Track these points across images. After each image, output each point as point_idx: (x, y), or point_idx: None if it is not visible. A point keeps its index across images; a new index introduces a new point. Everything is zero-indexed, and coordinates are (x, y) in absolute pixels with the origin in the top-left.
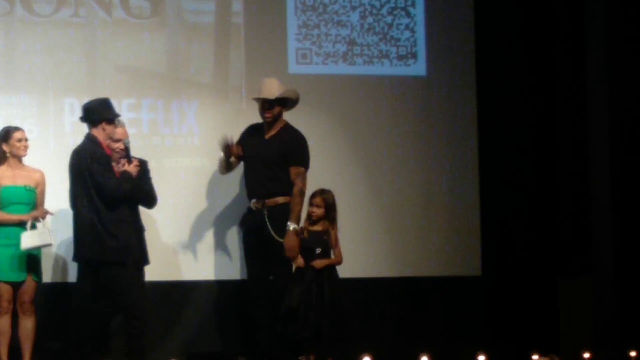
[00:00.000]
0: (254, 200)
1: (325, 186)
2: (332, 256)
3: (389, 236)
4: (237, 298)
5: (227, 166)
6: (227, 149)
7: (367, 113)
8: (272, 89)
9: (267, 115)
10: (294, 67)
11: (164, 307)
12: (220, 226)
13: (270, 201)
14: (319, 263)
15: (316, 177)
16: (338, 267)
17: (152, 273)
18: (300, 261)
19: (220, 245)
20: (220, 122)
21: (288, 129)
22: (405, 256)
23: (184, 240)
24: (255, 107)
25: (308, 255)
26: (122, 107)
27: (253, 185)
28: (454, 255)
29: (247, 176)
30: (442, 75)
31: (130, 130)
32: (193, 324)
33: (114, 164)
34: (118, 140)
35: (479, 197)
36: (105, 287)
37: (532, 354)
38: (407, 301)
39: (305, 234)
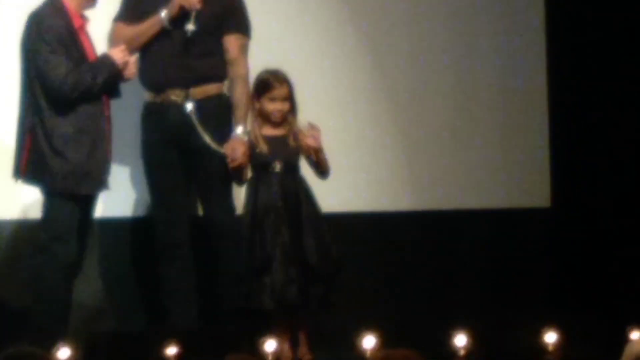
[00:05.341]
0: (170, 90)
1: (305, 75)
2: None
3: (404, 149)
4: (143, 249)
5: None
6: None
7: None
8: None
9: None
10: None
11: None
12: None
13: (198, 91)
14: (310, 141)
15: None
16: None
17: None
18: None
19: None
20: None
21: None
22: (432, 182)
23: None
24: None
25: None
26: None
27: (163, 67)
28: (509, 179)
29: (149, 52)
30: None
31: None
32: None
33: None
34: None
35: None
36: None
37: (631, 330)
38: (434, 246)
39: (262, 143)
